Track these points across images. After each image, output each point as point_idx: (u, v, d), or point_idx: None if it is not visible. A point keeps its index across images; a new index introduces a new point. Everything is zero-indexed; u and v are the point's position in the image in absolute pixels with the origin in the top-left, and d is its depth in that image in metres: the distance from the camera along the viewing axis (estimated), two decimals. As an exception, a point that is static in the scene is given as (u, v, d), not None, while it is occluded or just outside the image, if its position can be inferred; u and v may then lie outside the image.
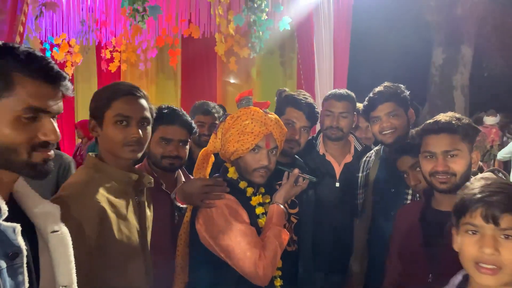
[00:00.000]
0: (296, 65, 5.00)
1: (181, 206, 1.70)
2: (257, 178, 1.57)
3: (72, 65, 4.95)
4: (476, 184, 1.16)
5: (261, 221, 1.59)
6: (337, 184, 2.30)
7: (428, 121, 1.59)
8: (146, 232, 1.52)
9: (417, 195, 1.96)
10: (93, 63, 5.15)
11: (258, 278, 1.44)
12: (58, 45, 4.57)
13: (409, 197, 2.01)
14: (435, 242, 1.47)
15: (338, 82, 4.59)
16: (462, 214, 1.14)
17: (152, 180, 1.54)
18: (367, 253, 2.24)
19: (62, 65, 4.77)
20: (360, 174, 2.27)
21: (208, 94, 5.14)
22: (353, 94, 2.37)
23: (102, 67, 4.61)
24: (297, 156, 2.16)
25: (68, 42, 4.54)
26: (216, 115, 2.58)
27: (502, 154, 5.29)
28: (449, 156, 1.50)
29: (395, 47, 7.59)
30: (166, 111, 1.90)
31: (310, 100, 2.09)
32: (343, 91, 2.35)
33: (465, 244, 1.12)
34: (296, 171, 1.65)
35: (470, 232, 1.11)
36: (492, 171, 1.70)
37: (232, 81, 5.29)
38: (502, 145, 5.50)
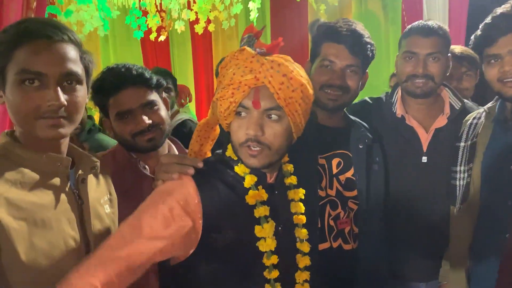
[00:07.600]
0: (400, 7, 4.27)
1: None
2: (247, 159, 1.07)
3: (165, 29, 4.90)
4: None
5: (259, 230, 1.07)
6: (424, 159, 1.70)
7: None
8: (92, 241, 1.05)
9: None
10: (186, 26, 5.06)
11: None
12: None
13: None
14: None
15: (454, 25, 3.83)
16: None
17: (98, 164, 1.12)
18: (469, 260, 1.63)
19: (158, 30, 4.69)
20: (462, 143, 1.60)
21: (299, 49, 4.69)
22: (446, 27, 1.70)
23: (176, 27, 4.34)
24: (356, 118, 1.58)
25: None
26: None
27: None
28: None
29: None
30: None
31: (356, 27, 1.48)
32: (432, 22, 1.68)
33: None
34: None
35: None
36: None
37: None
38: None
